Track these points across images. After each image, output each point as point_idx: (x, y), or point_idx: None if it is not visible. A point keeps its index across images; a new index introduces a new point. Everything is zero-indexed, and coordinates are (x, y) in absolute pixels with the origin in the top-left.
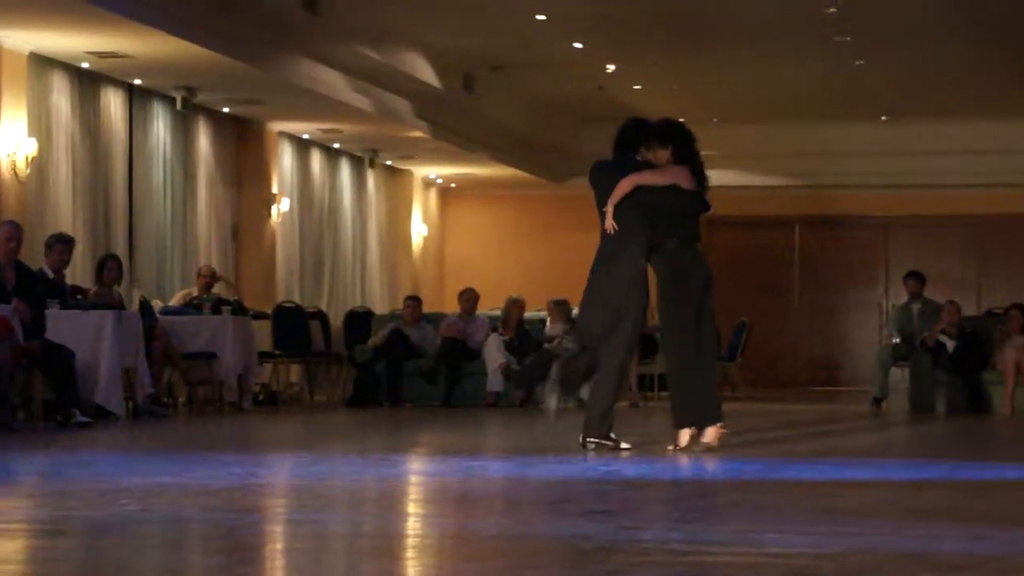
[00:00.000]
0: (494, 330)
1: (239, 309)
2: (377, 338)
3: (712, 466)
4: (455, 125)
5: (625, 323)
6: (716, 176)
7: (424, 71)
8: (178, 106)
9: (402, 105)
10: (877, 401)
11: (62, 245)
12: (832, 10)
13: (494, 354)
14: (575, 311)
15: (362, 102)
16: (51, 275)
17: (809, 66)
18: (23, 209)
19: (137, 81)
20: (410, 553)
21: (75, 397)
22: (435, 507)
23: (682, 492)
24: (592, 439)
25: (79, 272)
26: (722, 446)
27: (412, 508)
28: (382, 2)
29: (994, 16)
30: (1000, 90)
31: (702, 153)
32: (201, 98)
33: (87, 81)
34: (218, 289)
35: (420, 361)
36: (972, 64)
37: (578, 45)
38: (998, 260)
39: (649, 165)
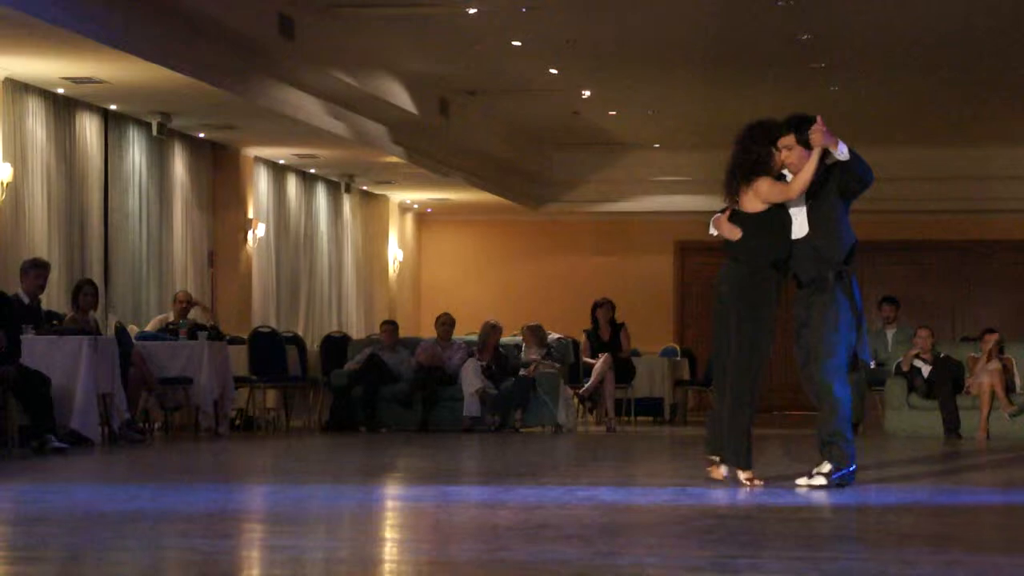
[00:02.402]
0: (470, 355)
1: (215, 334)
2: (353, 363)
3: (690, 493)
4: (431, 150)
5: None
6: (690, 201)
7: (400, 96)
8: (154, 131)
9: (378, 130)
10: (853, 425)
11: (37, 270)
12: (807, 36)
13: (471, 379)
14: (551, 335)
15: (338, 127)
16: (26, 300)
17: (784, 92)
18: None
19: (112, 107)
20: None
21: (50, 423)
22: (411, 532)
23: (659, 517)
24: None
25: (54, 297)
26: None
27: (388, 533)
28: (358, 28)
29: (967, 46)
30: (974, 117)
31: (677, 179)
32: (177, 123)
33: (62, 106)
34: (194, 314)
35: (396, 386)
36: (946, 91)
37: (554, 71)
38: (973, 286)
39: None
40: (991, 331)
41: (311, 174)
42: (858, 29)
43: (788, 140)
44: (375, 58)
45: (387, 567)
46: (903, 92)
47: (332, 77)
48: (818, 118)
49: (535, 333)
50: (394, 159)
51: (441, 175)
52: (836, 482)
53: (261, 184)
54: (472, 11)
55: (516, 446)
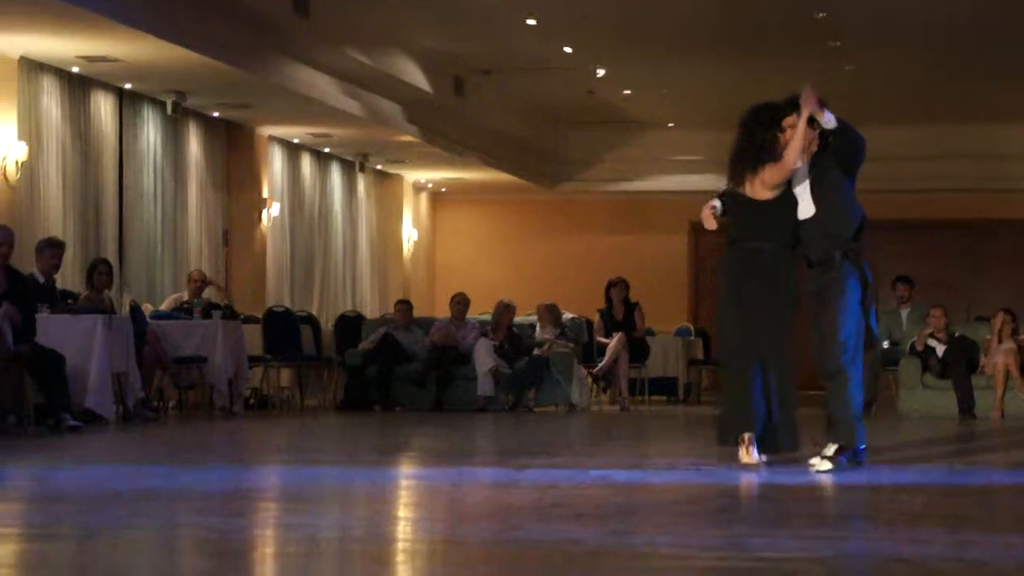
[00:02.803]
0: (484, 334)
1: (229, 313)
2: (368, 342)
3: (704, 473)
4: (445, 129)
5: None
6: (705, 181)
7: (414, 75)
8: (168, 110)
9: (392, 109)
10: (867, 405)
11: (52, 249)
12: (822, 15)
13: (484, 358)
14: (565, 315)
15: (352, 106)
16: (41, 279)
17: (800, 71)
18: (13, 213)
19: (127, 85)
20: (400, 557)
21: (65, 401)
22: (425, 511)
23: (673, 497)
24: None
25: (69, 276)
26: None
27: (403, 512)
28: (372, 6)
29: (986, 24)
30: (993, 96)
31: (692, 158)
32: (191, 102)
33: (77, 85)
34: (208, 293)
35: (410, 365)
36: (965, 70)
37: (568, 49)
38: (988, 265)
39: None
40: (1006, 311)
41: (325, 153)
42: (874, 8)
43: (793, 119)
44: (390, 36)
45: (401, 546)
46: (920, 71)
47: (347, 56)
48: (808, 85)
49: (550, 312)
50: (408, 138)
51: (456, 154)
52: (845, 463)
53: (275, 163)
54: None
55: (529, 425)
